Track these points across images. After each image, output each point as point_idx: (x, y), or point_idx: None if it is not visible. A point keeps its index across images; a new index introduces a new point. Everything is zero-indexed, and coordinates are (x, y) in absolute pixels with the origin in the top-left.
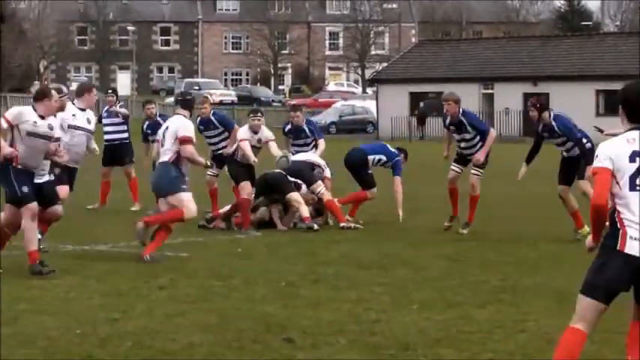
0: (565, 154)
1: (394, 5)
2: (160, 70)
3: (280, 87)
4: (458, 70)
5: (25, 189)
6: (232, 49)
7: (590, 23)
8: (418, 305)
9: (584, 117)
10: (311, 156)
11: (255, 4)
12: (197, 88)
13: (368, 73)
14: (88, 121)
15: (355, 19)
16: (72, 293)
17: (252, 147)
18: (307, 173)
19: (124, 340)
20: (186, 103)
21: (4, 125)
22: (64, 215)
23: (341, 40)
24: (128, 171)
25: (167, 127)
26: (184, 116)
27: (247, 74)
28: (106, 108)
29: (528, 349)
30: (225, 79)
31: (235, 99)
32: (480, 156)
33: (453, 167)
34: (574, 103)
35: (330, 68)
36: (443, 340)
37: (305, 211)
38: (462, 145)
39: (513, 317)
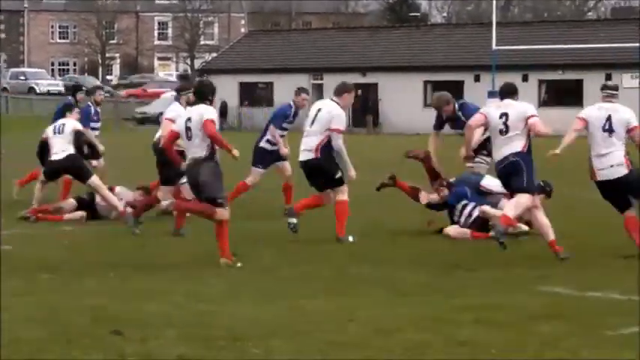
0: None
1: None
2: None
3: (108, 77)
4: (288, 61)
5: None
6: (59, 38)
7: (418, 14)
8: (250, 296)
9: (412, 107)
10: None
11: None
12: (23, 77)
13: (197, 64)
14: None
15: (184, 9)
16: None
17: None
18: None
19: None
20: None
21: None
22: None
23: (170, 30)
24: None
25: None
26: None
27: (75, 64)
28: None
29: (358, 338)
30: (52, 69)
31: (62, 89)
32: None
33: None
34: (402, 93)
35: (159, 58)
36: (274, 331)
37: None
38: None
39: (343, 307)
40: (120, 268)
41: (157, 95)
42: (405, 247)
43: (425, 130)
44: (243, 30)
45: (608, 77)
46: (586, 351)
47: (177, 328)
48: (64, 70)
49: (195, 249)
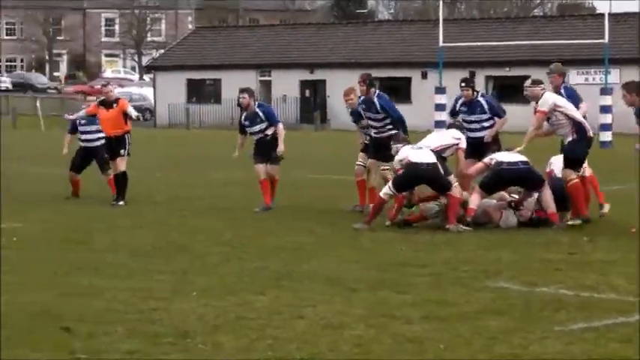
0: None
1: None
2: None
3: (55, 74)
4: (235, 57)
5: None
6: (6, 34)
7: (365, 11)
8: (197, 292)
9: None
10: None
11: None
12: None
13: (145, 60)
14: None
15: (131, 6)
16: None
17: None
18: None
19: None
20: None
21: None
22: None
23: (117, 27)
24: None
25: None
26: None
27: (22, 60)
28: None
29: (306, 334)
30: (0, 66)
31: (10, 86)
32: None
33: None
34: None
35: (107, 55)
36: (222, 327)
37: None
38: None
39: (291, 303)
40: (64, 265)
41: None
42: (353, 243)
43: None
44: (190, 26)
45: None
46: (534, 346)
47: (125, 324)
48: (11, 66)
49: (141, 245)
